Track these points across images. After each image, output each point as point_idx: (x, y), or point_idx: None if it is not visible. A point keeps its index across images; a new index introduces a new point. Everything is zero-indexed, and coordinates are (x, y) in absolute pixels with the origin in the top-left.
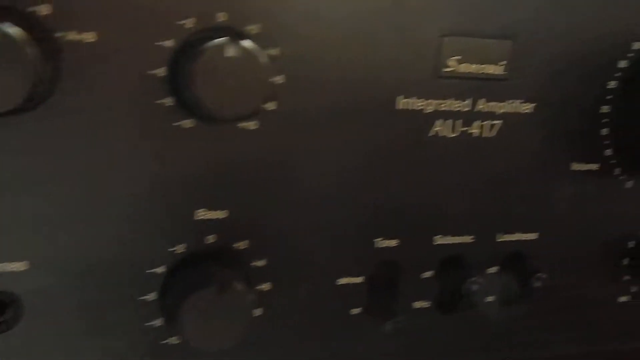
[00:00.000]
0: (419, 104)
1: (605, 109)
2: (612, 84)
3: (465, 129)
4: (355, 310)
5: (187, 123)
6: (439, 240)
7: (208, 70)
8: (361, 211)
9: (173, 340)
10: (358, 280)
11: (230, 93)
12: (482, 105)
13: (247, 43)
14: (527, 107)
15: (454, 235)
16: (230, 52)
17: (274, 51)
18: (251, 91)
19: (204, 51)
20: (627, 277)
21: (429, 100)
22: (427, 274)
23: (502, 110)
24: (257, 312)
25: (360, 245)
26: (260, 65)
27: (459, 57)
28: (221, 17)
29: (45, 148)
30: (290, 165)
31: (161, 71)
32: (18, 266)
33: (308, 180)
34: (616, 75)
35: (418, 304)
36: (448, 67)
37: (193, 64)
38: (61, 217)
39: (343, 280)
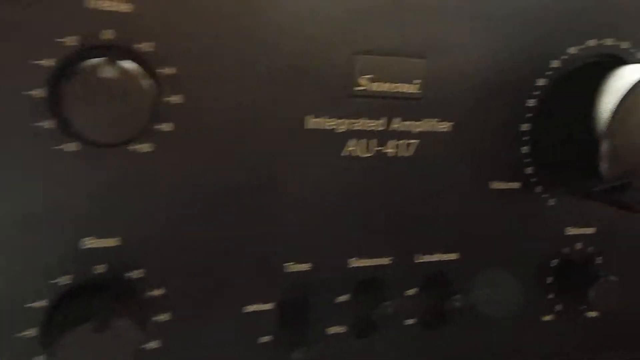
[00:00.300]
0: (330, 124)
1: (525, 127)
2: (532, 102)
3: (380, 148)
4: (265, 339)
5: (71, 146)
6: (354, 262)
7: (81, 91)
8: (268, 234)
9: None
10: (267, 307)
11: (105, 117)
12: (397, 124)
13: (127, 63)
14: (443, 126)
15: (370, 257)
16: (106, 72)
17: (169, 70)
18: (129, 115)
19: (77, 71)
20: (551, 296)
21: (341, 120)
22: (342, 298)
23: (418, 129)
24: (153, 344)
25: (269, 270)
26: (139, 87)
27: (371, 76)
28: (107, 34)
29: None
30: (189, 188)
31: (39, 92)
32: None
33: (208, 204)
34: (535, 93)
35: (332, 330)
36: (360, 85)
37: (66, 85)
38: None
39: (251, 308)
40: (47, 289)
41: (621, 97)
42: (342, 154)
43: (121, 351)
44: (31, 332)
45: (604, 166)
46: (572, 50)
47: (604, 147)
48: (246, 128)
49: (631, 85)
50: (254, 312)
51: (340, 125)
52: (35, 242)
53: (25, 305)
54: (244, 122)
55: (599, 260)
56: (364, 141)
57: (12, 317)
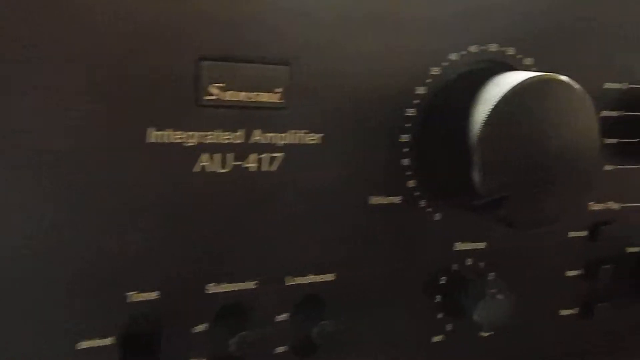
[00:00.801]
0: (178, 137)
1: (404, 137)
2: (411, 112)
3: (238, 163)
4: None
5: None
6: (213, 288)
7: None
8: (107, 260)
9: None
10: (106, 342)
11: None
12: (258, 137)
13: None
14: (312, 138)
15: (232, 281)
16: None
17: None
18: None
19: None
20: (440, 315)
21: (191, 132)
22: (199, 328)
23: (282, 142)
24: None
25: (108, 300)
26: None
27: (222, 84)
28: None
29: None
30: None
31: None
32: None
33: (27, 230)
34: (415, 102)
35: None
36: (210, 95)
37: None
38: None
39: (85, 344)
40: None
41: (493, 105)
42: (194, 170)
43: None
44: None
45: (477, 180)
46: (453, 56)
47: (476, 159)
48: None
49: (504, 93)
50: (89, 348)
51: (190, 138)
52: None
53: None
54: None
55: (491, 276)
56: (218, 155)
57: None
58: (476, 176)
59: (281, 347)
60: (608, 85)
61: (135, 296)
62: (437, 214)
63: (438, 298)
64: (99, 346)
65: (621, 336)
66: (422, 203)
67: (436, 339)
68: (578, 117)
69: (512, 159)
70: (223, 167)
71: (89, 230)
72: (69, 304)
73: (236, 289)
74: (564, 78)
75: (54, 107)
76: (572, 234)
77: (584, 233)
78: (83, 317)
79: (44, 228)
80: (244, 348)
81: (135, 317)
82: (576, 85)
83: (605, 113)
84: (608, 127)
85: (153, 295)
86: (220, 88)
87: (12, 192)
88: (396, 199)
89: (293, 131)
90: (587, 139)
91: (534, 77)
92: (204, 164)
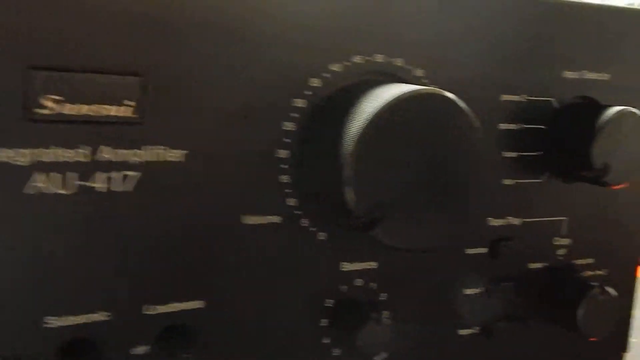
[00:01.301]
0: (8, 155)
1: (283, 153)
2: (290, 126)
3: (83, 183)
4: None
5: None
6: (53, 322)
7: None
8: None
9: None
10: None
11: None
12: (107, 154)
13: None
14: (174, 155)
15: (76, 314)
16: None
17: None
18: None
19: None
20: (326, 340)
21: (22, 150)
22: None
23: (137, 159)
24: None
25: None
26: None
27: (59, 97)
28: None
29: None
30: None
31: None
32: None
33: None
34: (293, 115)
35: None
36: (43, 107)
37: None
38: None
39: None
40: None
41: (366, 121)
42: (25, 191)
43: None
44: None
45: (349, 199)
46: (335, 67)
47: (347, 177)
48: None
49: (379, 108)
50: None
51: (21, 156)
52: None
53: None
54: None
55: (383, 297)
56: (57, 175)
57: None
58: (348, 195)
59: None
60: (505, 97)
61: None
62: (321, 234)
63: (324, 322)
64: None
65: (523, 357)
66: (305, 222)
67: None
68: (460, 133)
69: (387, 177)
70: (64, 189)
71: None
72: None
73: (82, 321)
74: (445, 93)
75: None
76: (470, 250)
77: (484, 250)
78: None
79: None
80: None
81: None
82: (459, 101)
83: (503, 126)
84: (506, 140)
85: None
86: (57, 101)
87: None
88: (275, 219)
89: (151, 147)
90: (468, 157)
91: (412, 91)
92: (40, 184)
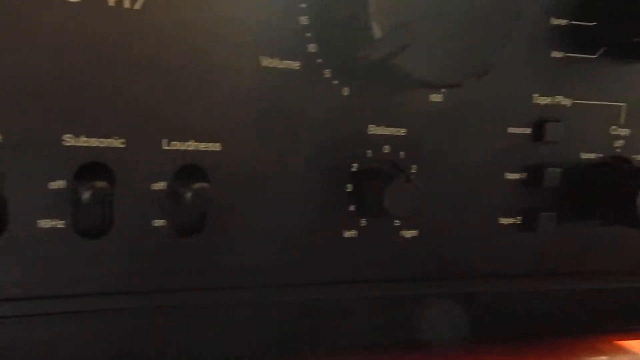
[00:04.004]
0: None
1: None
2: None
3: None
4: None
5: None
6: (71, 141)
7: None
8: None
9: None
10: None
11: None
12: None
13: None
14: None
15: (92, 136)
16: None
17: None
18: None
19: None
20: (352, 208)
21: None
22: (55, 185)
23: None
24: None
25: None
26: None
27: None
28: None
29: None
30: None
31: None
32: None
33: None
34: None
35: (46, 223)
36: None
37: None
38: None
39: None
40: None
41: None
42: None
43: None
44: None
45: (373, 18)
46: None
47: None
48: None
49: None
50: None
51: None
52: None
53: None
54: None
55: (413, 169)
56: None
57: None
58: (372, 13)
59: (159, 221)
60: None
61: None
62: (345, 88)
63: (349, 187)
64: None
65: (566, 255)
66: (327, 73)
67: (348, 234)
68: None
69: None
70: None
71: None
72: None
73: (98, 145)
74: None
75: None
76: (512, 129)
77: (527, 130)
78: None
79: None
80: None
81: None
82: None
83: None
84: (556, 5)
85: None
86: None
87: None
88: (294, 64)
89: None
90: None
91: None
92: None
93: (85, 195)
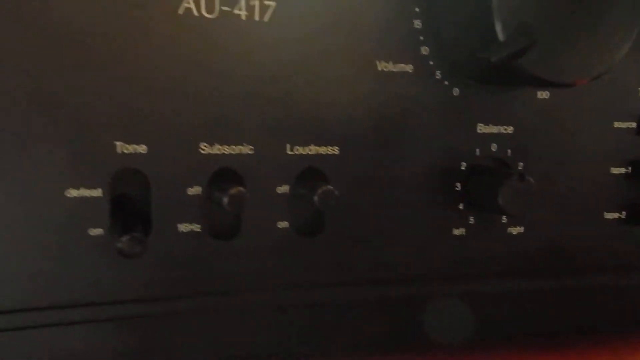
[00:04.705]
0: None
1: None
2: None
3: (227, 8)
4: (95, 231)
5: None
6: (206, 149)
7: None
8: (97, 108)
9: None
10: (94, 193)
11: None
12: None
13: None
14: None
15: (224, 143)
16: None
17: None
18: None
19: None
20: (461, 206)
21: None
22: (193, 191)
23: None
24: None
25: (96, 148)
26: None
27: None
28: None
29: None
30: None
31: None
32: None
33: None
34: None
35: (184, 227)
36: None
37: None
38: None
39: (74, 193)
40: None
41: None
42: (179, 12)
43: None
44: None
45: (497, 19)
46: None
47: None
48: None
49: None
50: (79, 197)
51: None
52: None
53: None
54: None
55: (520, 166)
56: None
57: None
58: (496, 14)
59: (282, 223)
60: None
61: (123, 148)
62: (455, 89)
63: (458, 186)
64: (88, 196)
65: None
66: (438, 74)
67: (457, 232)
68: None
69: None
70: (210, 12)
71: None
72: (56, 149)
73: (232, 152)
74: None
75: None
76: (618, 124)
77: (632, 124)
78: (70, 163)
79: None
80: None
81: (124, 171)
82: None
83: None
84: None
85: (141, 149)
86: None
87: None
88: (408, 67)
89: None
90: None
91: None
92: (188, 5)
93: (225, 200)
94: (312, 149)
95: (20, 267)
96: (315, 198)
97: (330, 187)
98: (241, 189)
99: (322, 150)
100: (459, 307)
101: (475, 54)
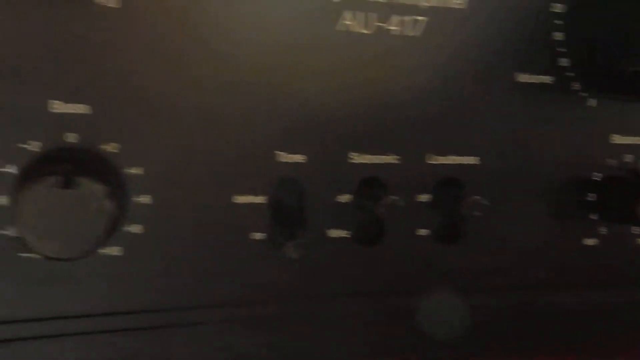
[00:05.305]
0: None
1: (558, 7)
2: None
3: (381, 24)
4: (257, 235)
5: None
6: (356, 158)
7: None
8: (259, 119)
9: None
10: (258, 200)
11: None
12: None
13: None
14: (459, 2)
15: (373, 153)
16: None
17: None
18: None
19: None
20: (593, 216)
21: None
22: (343, 198)
23: (427, 4)
24: (135, 228)
25: (259, 158)
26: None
27: None
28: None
29: None
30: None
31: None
32: None
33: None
34: None
35: (334, 233)
36: None
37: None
38: None
39: (241, 199)
40: (16, 154)
41: None
42: (337, 28)
43: (88, 215)
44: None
45: None
46: None
47: None
48: None
49: None
50: (244, 204)
51: None
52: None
53: None
54: None
55: None
56: (362, 14)
57: None
58: None
59: (423, 230)
60: None
61: (283, 157)
62: (592, 100)
63: (591, 196)
64: (252, 203)
65: None
66: (576, 86)
67: (589, 242)
68: None
69: None
70: (365, 28)
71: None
72: (225, 158)
73: (377, 161)
74: None
75: None
76: None
77: None
78: (236, 172)
79: None
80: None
81: (283, 179)
82: None
83: None
84: None
85: (300, 158)
86: None
87: None
88: (546, 79)
89: None
90: None
91: None
92: (347, 22)
93: (380, 208)
94: (452, 159)
95: (189, 268)
96: (461, 208)
97: (477, 197)
98: (394, 197)
99: (462, 160)
100: (584, 315)
101: (625, 65)
